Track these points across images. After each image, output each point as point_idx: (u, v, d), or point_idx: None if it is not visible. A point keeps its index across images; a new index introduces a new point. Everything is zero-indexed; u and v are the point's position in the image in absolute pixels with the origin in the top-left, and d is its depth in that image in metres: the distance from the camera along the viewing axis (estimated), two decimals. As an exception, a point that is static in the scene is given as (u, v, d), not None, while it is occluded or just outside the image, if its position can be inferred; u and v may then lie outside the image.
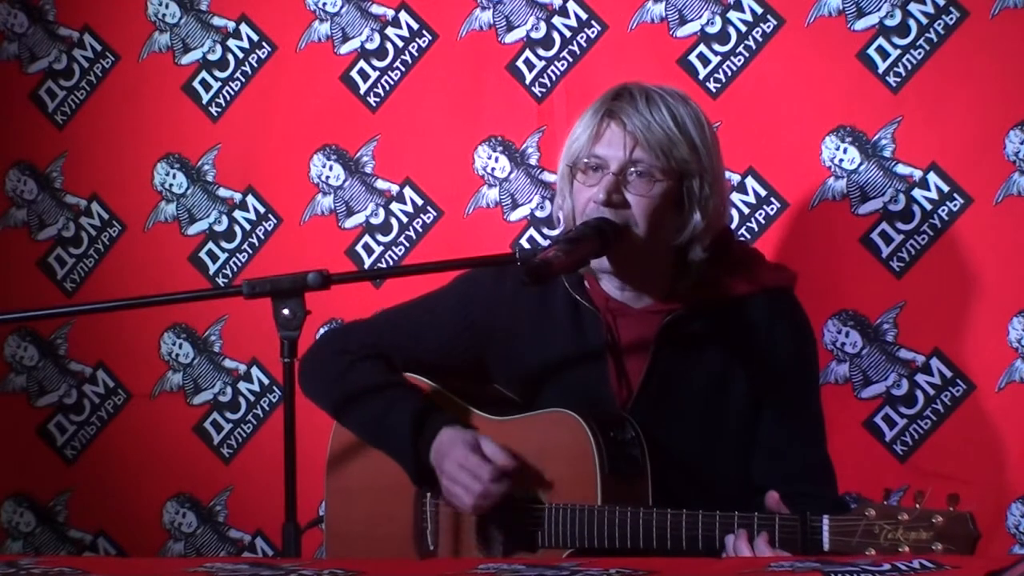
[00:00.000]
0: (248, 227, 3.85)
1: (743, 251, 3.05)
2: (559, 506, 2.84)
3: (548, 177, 3.62)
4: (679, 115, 2.90)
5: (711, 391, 2.92)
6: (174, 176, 3.90)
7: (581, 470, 2.82)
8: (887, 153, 3.37)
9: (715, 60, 3.49)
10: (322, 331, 3.64)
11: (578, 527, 2.80)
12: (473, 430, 2.94)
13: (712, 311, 2.93)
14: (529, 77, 3.63)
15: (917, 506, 2.50)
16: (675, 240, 2.91)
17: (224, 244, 3.87)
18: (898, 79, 3.36)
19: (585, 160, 2.90)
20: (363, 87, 3.75)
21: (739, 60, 3.48)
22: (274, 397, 3.82)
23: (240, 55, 3.85)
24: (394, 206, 3.74)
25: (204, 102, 3.88)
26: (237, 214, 3.86)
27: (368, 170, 3.75)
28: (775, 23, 3.45)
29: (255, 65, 3.84)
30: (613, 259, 2.89)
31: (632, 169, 2.87)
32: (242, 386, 3.86)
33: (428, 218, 3.72)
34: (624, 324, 2.96)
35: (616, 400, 2.93)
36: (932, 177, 3.35)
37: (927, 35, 3.34)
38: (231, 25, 3.87)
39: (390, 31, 3.74)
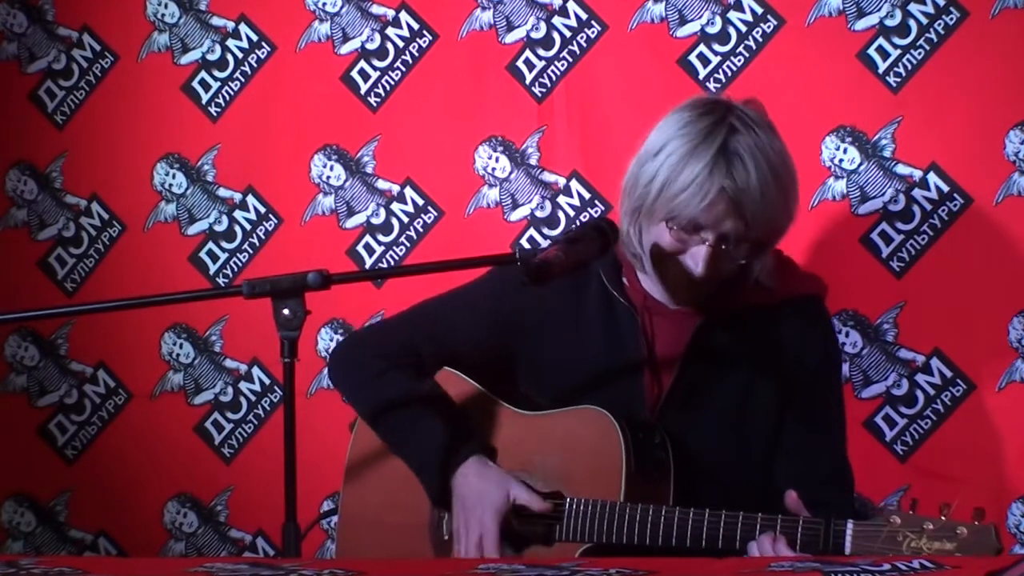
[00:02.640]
0: (248, 227, 3.85)
1: (777, 258, 3.01)
2: (580, 500, 2.82)
3: (548, 177, 3.62)
4: (788, 189, 2.84)
5: (741, 397, 2.90)
6: (174, 176, 3.90)
7: (606, 466, 2.80)
8: (887, 153, 3.37)
9: (715, 60, 3.49)
10: (323, 334, 3.65)
11: (598, 522, 2.78)
12: (500, 472, 2.92)
13: (746, 317, 2.92)
14: (529, 77, 3.63)
15: (943, 517, 2.48)
16: (729, 276, 2.89)
17: (224, 244, 3.87)
18: (898, 79, 3.36)
19: (686, 222, 2.80)
20: (363, 87, 3.75)
21: (739, 60, 3.48)
22: (275, 397, 3.81)
23: (240, 55, 3.85)
24: (395, 206, 3.73)
25: (204, 102, 3.88)
26: (237, 214, 3.86)
27: (369, 170, 3.75)
28: (775, 23, 3.45)
29: (255, 65, 3.84)
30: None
31: (729, 244, 2.82)
32: (243, 386, 3.85)
33: (429, 218, 3.72)
34: (659, 324, 2.93)
35: (646, 401, 2.91)
36: (932, 177, 3.35)
37: (927, 35, 3.34)
38: (230, 25, 3.86)
39: (390, 31, 3.74)
